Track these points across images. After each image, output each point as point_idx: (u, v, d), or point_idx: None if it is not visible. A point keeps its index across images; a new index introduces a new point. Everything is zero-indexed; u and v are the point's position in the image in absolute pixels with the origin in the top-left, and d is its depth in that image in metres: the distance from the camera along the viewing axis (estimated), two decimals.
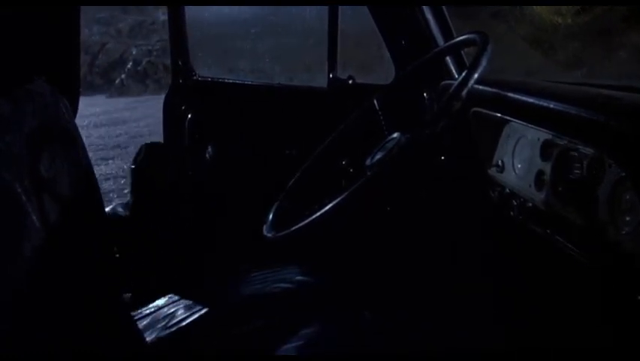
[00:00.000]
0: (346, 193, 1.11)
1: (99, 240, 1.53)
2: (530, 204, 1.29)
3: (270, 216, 1.38)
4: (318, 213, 1.13)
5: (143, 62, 16.45)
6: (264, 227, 1.34)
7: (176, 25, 2.34)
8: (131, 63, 16.63)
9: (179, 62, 2.33)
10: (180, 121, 2.20)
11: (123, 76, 16.37)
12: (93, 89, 14.85)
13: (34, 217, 1.15)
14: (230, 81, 2.34)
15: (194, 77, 2.34)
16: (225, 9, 2.65)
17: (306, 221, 1.15)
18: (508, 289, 1.41)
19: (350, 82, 2.10)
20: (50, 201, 1.24)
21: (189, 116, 2.19)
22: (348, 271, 1.65)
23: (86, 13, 16.54)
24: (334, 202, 1.11)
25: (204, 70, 2.45)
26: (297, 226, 1.19)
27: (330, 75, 2.12)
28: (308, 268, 1.65)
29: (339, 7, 2.05)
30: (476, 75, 1.17)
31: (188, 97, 2.26)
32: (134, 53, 16.90)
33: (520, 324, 1.35)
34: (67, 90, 1.50)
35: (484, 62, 1.19)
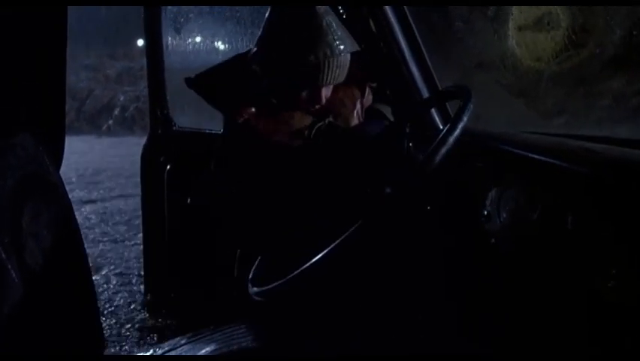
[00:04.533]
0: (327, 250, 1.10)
1: (81, 291, 1.50)
2: (517, 255, 1.29)
3: (252, 272, 1.36)
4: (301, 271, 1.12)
5: (131, 108, 16.54)
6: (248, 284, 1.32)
7: (155, 74, 2.30)
8: (118, 109, 16.71)
9: (158, 112, 2.29)
10: (159, 172, 2.15)
11: (110, 122, 16.43)
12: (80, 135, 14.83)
13: (13, 274, 1.13)
14: (213, 131, 2.27)
15: (174, 127, 2.30)
16: (205, 57, 2.65)
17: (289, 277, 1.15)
18: (496, 340, 1.39)
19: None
20: (31, 255, 1.22)
21: (168, 167, 2.14)
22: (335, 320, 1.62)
23: (74, 59, 16.67)
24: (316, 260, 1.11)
25: (184, 118, 2.41)
26: (277, 284, 1.18)
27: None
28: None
29: None
30: (459, 128, 1.19)
31: (167, 148, 2.21)
32: (121, 99, 16.99)
33: None
34: (52, 141, 1.49)
35: (466, 115, 1.21)
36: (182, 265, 2.03)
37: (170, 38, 2.53)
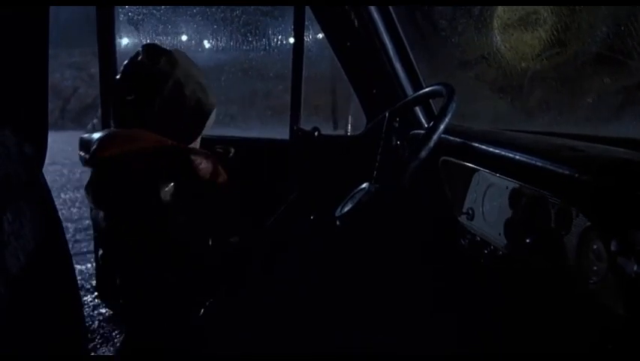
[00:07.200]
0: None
1: (64, 292, 1.48)
2: (501, 252, 1.29)
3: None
4: None
5: None
6: None
7: (107, 79, 2.26)
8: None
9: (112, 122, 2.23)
10: None
11: (95, 120, 16.25)
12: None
13: None
14: None
15: None
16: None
17: None
18: (479, 338, 1.40)
19: (316, 134, 1.99)
20: (13, 255, 1.21)
21: None
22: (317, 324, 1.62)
23: (58, 57, 16.51)
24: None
25: None
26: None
27: (294, 127, 2.05)
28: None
29: (304, 55, 2.03)
30: (443, 125, 1.19)
31: None
32: None
33: None
34: (34, 139, 1.47)
35: (450, 113, 1.21)
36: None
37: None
